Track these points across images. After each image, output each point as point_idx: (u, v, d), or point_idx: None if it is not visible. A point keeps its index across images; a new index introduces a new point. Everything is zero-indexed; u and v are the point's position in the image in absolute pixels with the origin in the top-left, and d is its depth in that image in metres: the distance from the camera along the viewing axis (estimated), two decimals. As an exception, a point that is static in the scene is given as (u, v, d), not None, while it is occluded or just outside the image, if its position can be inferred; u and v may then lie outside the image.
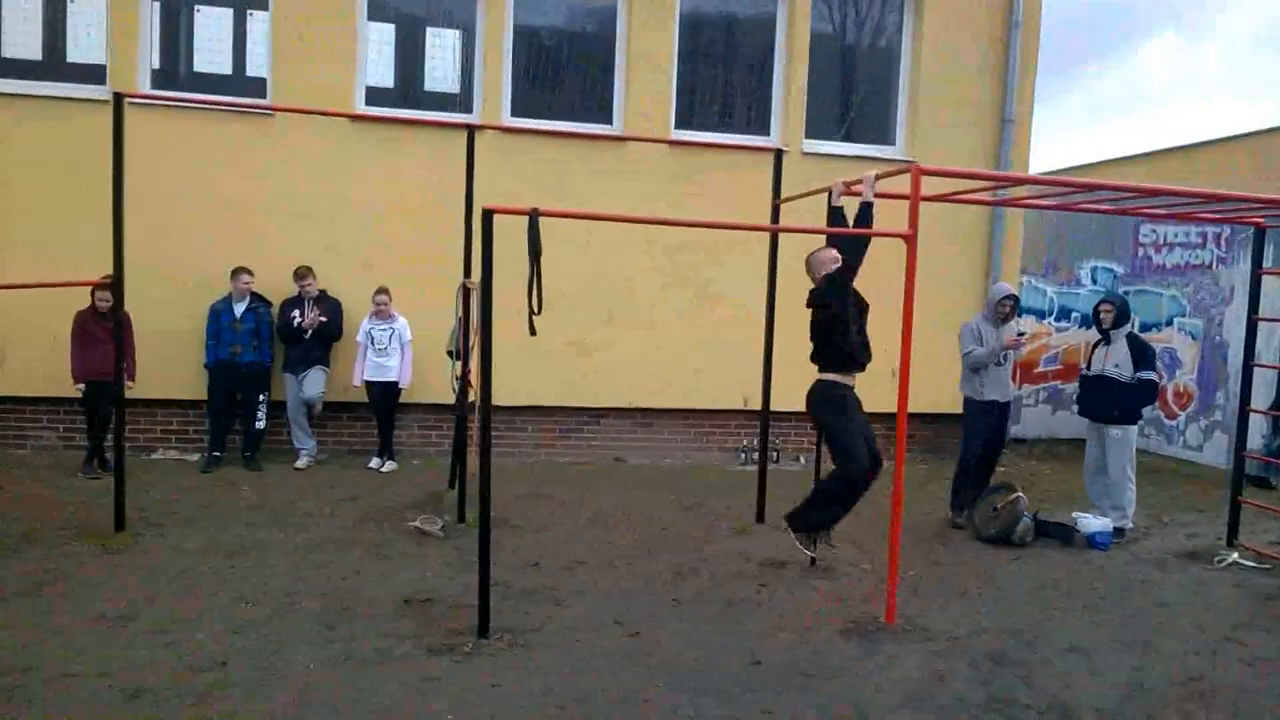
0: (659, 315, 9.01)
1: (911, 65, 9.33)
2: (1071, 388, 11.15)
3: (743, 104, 9.32)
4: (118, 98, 5.52)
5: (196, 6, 8.50)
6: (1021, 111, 9.40)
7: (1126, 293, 10.52)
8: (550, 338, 7.74)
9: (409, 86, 8.95)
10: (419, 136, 8.33)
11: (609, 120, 8.91)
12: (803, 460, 9.43)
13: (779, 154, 6.58)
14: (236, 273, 7.98)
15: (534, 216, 4.23)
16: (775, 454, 9.46)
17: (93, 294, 7.37)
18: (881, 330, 9.09)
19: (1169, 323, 10.44)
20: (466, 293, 6.06)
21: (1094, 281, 11.18)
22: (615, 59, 8.86)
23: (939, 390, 9.05)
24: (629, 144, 8.64)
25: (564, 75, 9.04)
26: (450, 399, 8.46)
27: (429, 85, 8.99)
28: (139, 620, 4.59)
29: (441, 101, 8.96)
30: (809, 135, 9.25)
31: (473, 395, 6.28)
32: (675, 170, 8.81)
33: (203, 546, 5.81)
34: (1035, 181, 5.15)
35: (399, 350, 8.11)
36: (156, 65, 8.39)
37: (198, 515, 6.53)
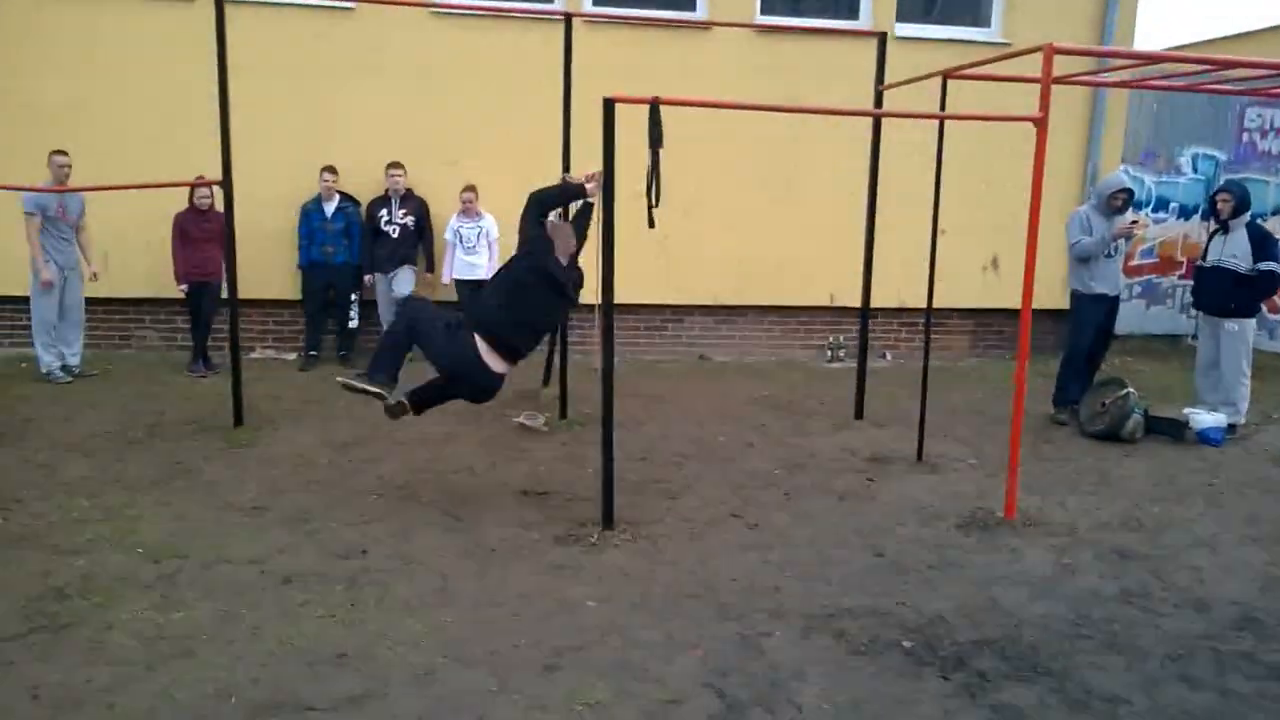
0: (741, 210, 8.82)
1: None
2: (1168, 282, 10.77)
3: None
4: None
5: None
6: (1130, -15, 8.81)
7: (1229, 180, 10.00)
8: (633, 233, 7.66)
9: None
10: (498, 28, 8.11)
11: (692, 6, 8.56)
12: (888, 356, 9.32)
13: (882, 37, 6.26)
14: (321, 172, 7.96)
15: (655, 106, 4.10)
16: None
17: (191, 194, 7.43)
18: (977, 221, 8.89)
19: (1275, 212, 9.94)
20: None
21: (1195, 170, 10.64)
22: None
23: (1036, 284, 8.80)
24: (713, 30, 8.30)
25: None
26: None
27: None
28: (273, 510, 4.76)
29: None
30: (899, 18, 8.79)
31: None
32: (760, 58, 8.47)
33: (317, 441, 5.97)
34: (1179, 59, 4.82)
35: (487, 248, 8.08)
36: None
37: (306, 411, 6.70)
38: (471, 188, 8.00)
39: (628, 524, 4.65)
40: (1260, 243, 6.58)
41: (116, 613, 3.61)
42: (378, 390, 4.73)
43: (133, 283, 8.23)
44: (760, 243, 8.87)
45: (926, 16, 8.96)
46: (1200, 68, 5.24)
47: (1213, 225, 6.92)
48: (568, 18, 6.00)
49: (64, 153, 7.11)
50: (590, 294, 5.55)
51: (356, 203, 8.20)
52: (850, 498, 5.25)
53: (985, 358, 9.56)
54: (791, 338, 9.33)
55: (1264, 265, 6.54)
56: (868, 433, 6.59)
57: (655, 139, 4.11)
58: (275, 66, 7.99)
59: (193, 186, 7.31)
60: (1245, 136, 10.40)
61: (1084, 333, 6.95)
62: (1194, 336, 10.67)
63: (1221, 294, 6.70)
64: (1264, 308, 10.01)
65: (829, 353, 9.25)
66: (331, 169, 7.97)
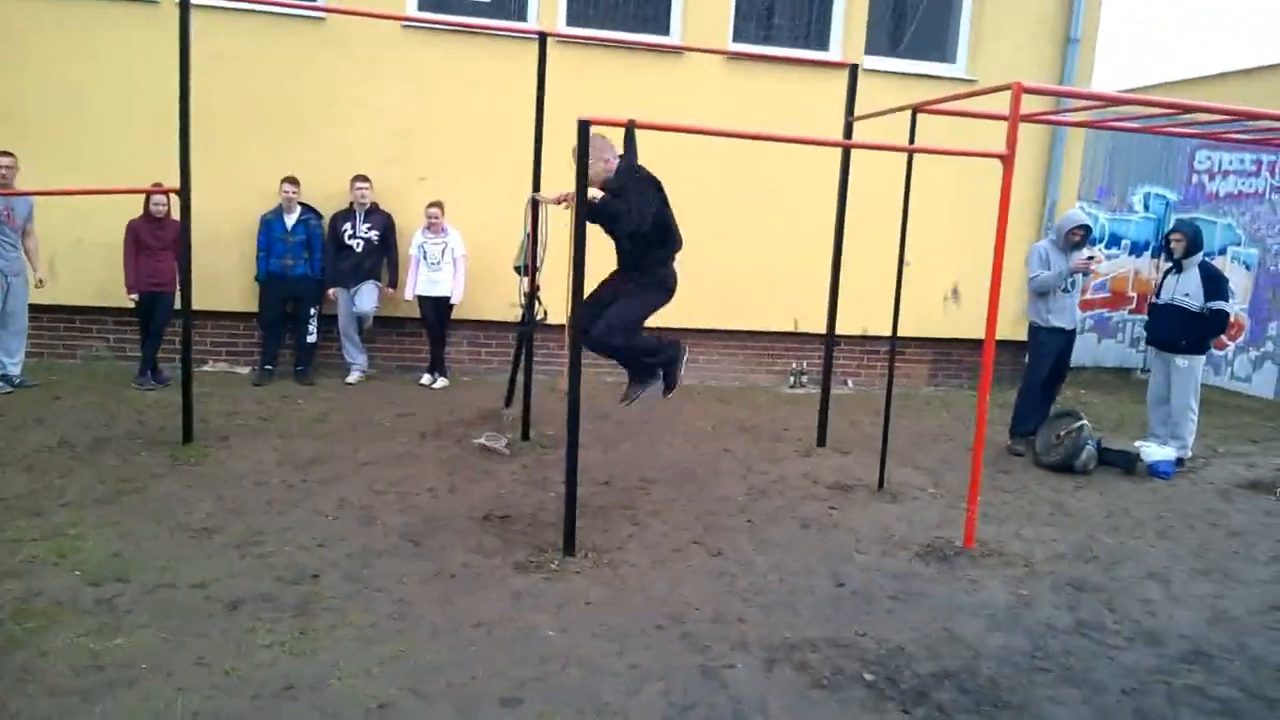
0: (708, 236, 8.82)
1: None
2: (1119, 316, 11.01)
3: (800, 18, 8.98)
4: (184, 1, 5.29)
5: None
6: (1088, 29, 9.04)
7: (1180, 220, 10.28)
8: (602, 255, 7.64)
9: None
10: (472, 44, 8.07)
11: (665, 31, 8.60)
12: (850, 384, 9.39)
13: (853, 69, 6.33)
14: (282, 183, 7.83)
15: (630, 129, 4.08)
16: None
17: (146, 201, 7.24)
18: (941, 254, 9.01)
19: (1222, 251, 10.23)
20: (535, 206, 5.92)
21: (1146, 209, 10.93)
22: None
23: (984, 314, 8.93)
24: (686, 56, 8.35)
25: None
26: (508, 316, 8.51)
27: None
28: (224, 532, 4.61)
29: (486, 11, 8.63)
30: (868, 51, 8.92)
31: (540, 312, 6.20)
32: (733, 83, 8.53)
33: (273, 459, 5.82)
34: (1141, 102, 4.94)
35: (452, 264, 8.00)
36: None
37: (260, 428, 6.54)
38: (438, 204, 7.93)
39: (590, 550, 4.58)
40: (1212, 282, 6.74)
41: (52, 639, 3.45)
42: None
43: (81, 291, 8.00)
44: (726, 267, 8.88)
45: (894, 50, 9.09)
46: (1160, 111, 5.37)
47: (1166, 264, 7.08)
48: (542, 36, 5.97)
49: (9, 154, 6.90)
50: (557, 314, 5.53)
51: (319, 215, 8.07)
52: (814, 525, 5.24)
53: (945, 386, 9.68)
54: (755, 362, 9.35)
55: (1214, 304, 6.71)
56: (831, 459, 6.61)
57: (631, 161, 4.08)
58: (241, 74, 7.85)
59: (148, 194, 7.14)
60: (1195, 178, 10.70)
61: (1041, 364, 7.06)
62: (1144, 370, 10.95)
63: (1173, 331, 6.85)
64: (1212, 345, 10.31)
65: (791, 378, 9.29)
66: (293, 180, 7.84)
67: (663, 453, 6.53)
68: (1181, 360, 6.84)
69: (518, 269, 6.19)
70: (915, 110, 5.59)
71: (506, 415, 7.01)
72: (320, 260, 8.01)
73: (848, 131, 6.38)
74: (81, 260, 7.91)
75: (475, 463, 6.01)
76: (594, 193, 4.58)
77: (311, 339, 8.11)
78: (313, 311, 8.09)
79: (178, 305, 7.25)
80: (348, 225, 7.99)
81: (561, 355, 8.70)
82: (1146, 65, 34.44)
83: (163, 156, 6.45)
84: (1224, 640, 4.09)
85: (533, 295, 6.19)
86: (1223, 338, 10.23)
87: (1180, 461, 6.83)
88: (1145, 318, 7.39)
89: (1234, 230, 10.12)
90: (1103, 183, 10.75)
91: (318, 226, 8.04)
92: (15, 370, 7.18)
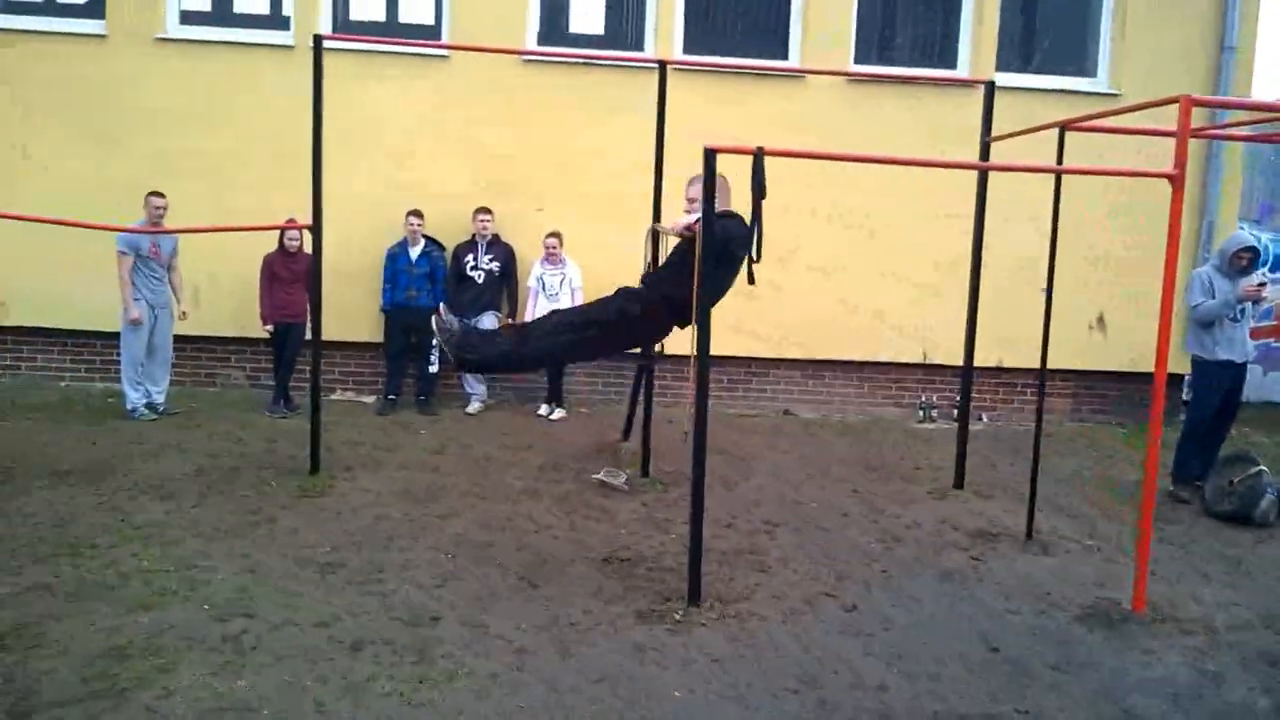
0: (831, 261, 8.50)
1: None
2: (1289, 346, 10.05)
3: (925, 35, 8.59)
4: (317, 41, 5.40)
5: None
6: (1245, 36, 8.29)
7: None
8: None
9: (554, 28, 8.58)
10: (588, 75, 8.04)
11: (785, 55, 8.37)
12: (985, 419, 8.83)
13: (990, 86, 5.94)
14: (407, 215, 7.95)
15: (759, 156, 3.86)
16: (955, 411, 8.89)
17: (281, 236, 7.47)
18: (1082, 280, 8.41)
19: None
20: (656, 236, 5.75)
21: (1289, 228, 9.95)
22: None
23: (1139, 347, 8.29)
24: (806, 80, 8.09)
25: (737, 12, 8.55)
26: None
27: (574, 28, 8.55)
28: (347, 567, 4.58)
29: (600, 43, 8.58)
30: (1000, 68, 8.43)
31: (659, 344, 6.01)
32: (854, 107, 8.21)
33: (395, 491, 5.80)
34: None
35: (569, 296, 7.93)
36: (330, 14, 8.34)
37: (383, 459, 6.57)
38: (556, 234, 7.89)
39: (715, 600, 4.33)
40: None
41: (178, 678, 3.44)
42: None
43: (220, 322, 8.30)
44: (852, 296, 8.53)
45: (1027, 66, 8.59)
46: None
47: None
48: (662, 65, 5.83)
49: (161, 194, 7.21)
50: (678, 345, 5.33)
51: (442, 247, 8.15)
52: (956, 578, 4.84)
53: (1088, 422, 8.99)
54: (882, 395, 8.91)
55: None
56: (970, 503, 6.15)
57: (759, 190, 3.87)
58: (366, 111, 8.03)
59: (282, 230, 7.35)
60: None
61: (1208, 402, 6.41)
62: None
63: None
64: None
65: (920, 412, 8.80)
66: (418, 213, 7.95)
67: (786, 492, 6.21)
68: None
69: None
70: (1063, 128, 5.15)
71: (624, 449, 6.84)
72: (443, 291, 8.08)
73: (984, 153, 5.97)
74: (218, 293, 8.21)
75: (593, 499, 5.84)
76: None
77: (434, 369, 8.17)
78: (435, 342, 8.14)
79: (308, 335, 7.52)
80: (470, 257, 8.04)
81: (678, 388, 8.55)
82: (1305, 74, 32.13)
83: (293, 189, 6.67)
84: None
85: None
86: None
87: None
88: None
89: None
90: (1265, 199, 9.86)
91: (440, 258, 8.12)
92: (160, 398, 7.48)
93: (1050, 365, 8.70)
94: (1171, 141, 4.30)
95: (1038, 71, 8.63)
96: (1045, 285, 5.34)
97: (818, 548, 5.17)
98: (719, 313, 7.92)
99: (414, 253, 8.00)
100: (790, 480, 6.52)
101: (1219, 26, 8.19)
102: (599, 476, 6.14)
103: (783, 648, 3.93)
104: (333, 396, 8.46)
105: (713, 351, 8.18)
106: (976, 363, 8.31)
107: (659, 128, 5.88)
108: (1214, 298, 6.25)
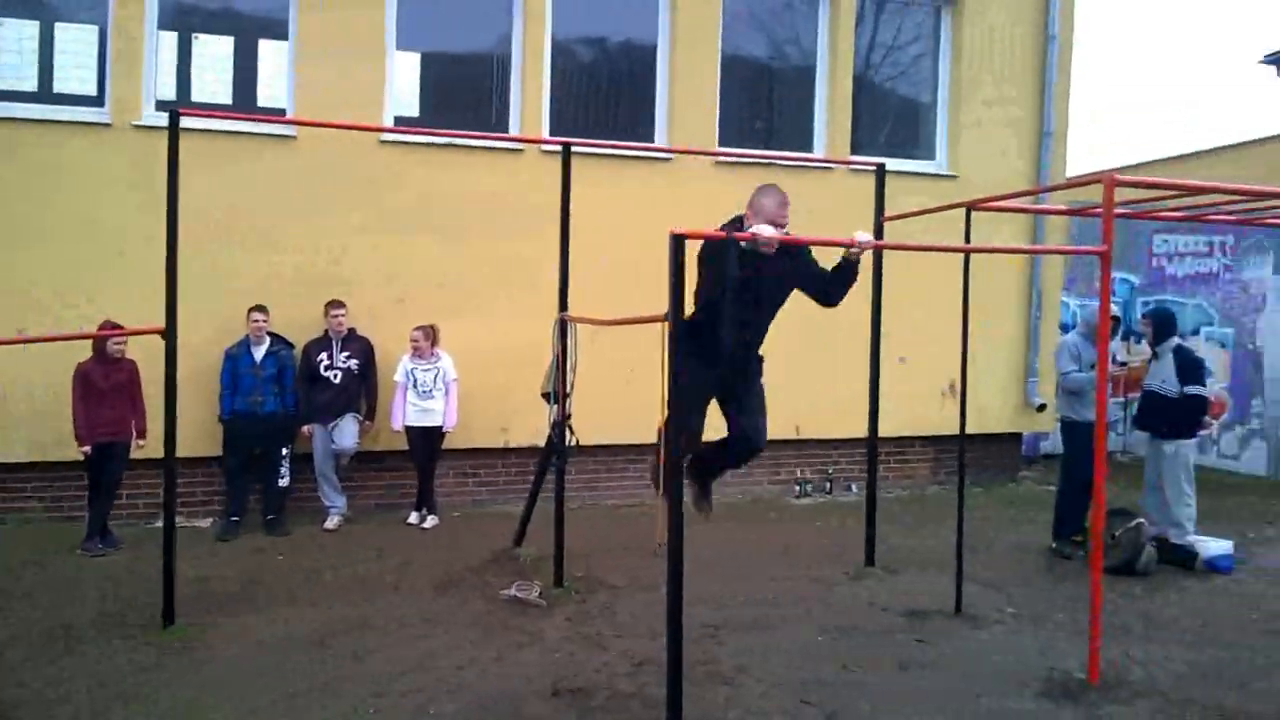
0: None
1: (950, 83, 9.05)
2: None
3: (782, 122, 8.91)
4: (174, 116, 4.68)
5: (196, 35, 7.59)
6: (1059, 122, 9.21)
7: (1147, 303, 10.45)
8: (598, 368, 7.16)
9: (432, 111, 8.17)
10: (451, 158, 7.64)
11: (651, 138, 8.38)
12: (855, 489, 8.98)
13: (881, 168, 6.13)
14: (250, 312, 7.10)
15: (732, 240, 3.64)
16: (827, 484, 9.00)
17: (102, 343, 6.35)
18: (936, 350, 8.80)
19: (1195, 332, 10.38)
20: (564, 326, 5.40)
21: (1112, 294, 11.08)
22: (656, 83, 8.34)
23: (985, 410, 8.79)
24: (675, 161, 8.10)
25: (605, 96, 8.49)
26: (497, 441, 7.86)
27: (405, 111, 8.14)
28: (251, 743, 3.78)
29: (462, 124, 8.21)
30: (852, 150, 8.84)
31: (572, 440, 5.62)
32: (722, 187, 8.28)
33: (278, 635, 4.96)
34: (1230, 191, 4.84)
35: (444, 391, 7.34)
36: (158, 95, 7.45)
37: (246, 594, 5.66)
38: (423, 327, 7.30)
39: (694, 725, 3.91)
40: (1186, 367, 6.71)
41: None
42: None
43: (11, 448, 7.00)
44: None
45: (873, 149, 9.06)
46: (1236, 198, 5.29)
47: (1136, 345, 7.03)
48: (566, 147, 5.54)
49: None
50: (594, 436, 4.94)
51: (290, 345, 7.33)
52: (913, 667, 4.70)
53: (947, 485, 9.35)
54: (758, 472, 8.84)
55: (1189, 389, 6.67)
56: (886, 581, 6.11)
57: (729, 276, 3.64)
58: (195, 195, 7.14)
59: (117, 336, 6.25)
60: (1154, 261, 10.95)
61: (1082, 462, 6.75)
62: (1123, 452, 10.95)
63: (1156, 417, 6.82)
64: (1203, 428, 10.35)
65: (797, 487, 8.82)
66: (261, 308, 7.12)
67: (710, 588, 5.88)
68: (1168, 446, 6.71)
69: (545, 396, 5.62)
70: (970, 208, 5.35)
71: (524, 557, 6.30)
72: (292, 395, 7.24)
73: (879, 232, 6.11)
74: (5, 413, 6.94)
75: (510, 620, 5.26)
76: (767, 230, 3.94)
77: (284, 482, 7.26)
78: (284, 452, 7.26)
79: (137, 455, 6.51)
80: (324, 355, 7.27)
81: (580, 483, 8.04)
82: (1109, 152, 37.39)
83: (111, 289, 5.69)
84: None
85: (563, 423, 5.60)
86: (1207, 418, 10.29)
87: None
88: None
89: (1205, 310, 10.30)
90: (1071, 270, 10.89)
91: (289, 358, 7.30)
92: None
93: (911, 432, 9.23)
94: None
95: (885, 155, 9.11)
96: (901, 356, 5.49)
97: (769, 650, 4.88)
98: (594, 400, 7.47)
99: (258, 353, 7.13)
100: (706, 572, 6.19)
101: (1039, 114, 9.02)
102: (510, 592, 5.57)
103: (789, 774, 3.58)
104: (157, 523, 7.28)
105: (582, 441, 7.81)
106: (847, 435, 8.54)
107: (564, 211, 5.57)
108: (1080, 364, 6.66)
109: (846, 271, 4.37)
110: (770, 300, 4.49)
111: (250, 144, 7.34)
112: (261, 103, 7.73)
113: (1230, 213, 6.16)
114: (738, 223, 4.30)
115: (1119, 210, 4.97)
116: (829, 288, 4.46)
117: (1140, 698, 4.35)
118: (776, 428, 8.56)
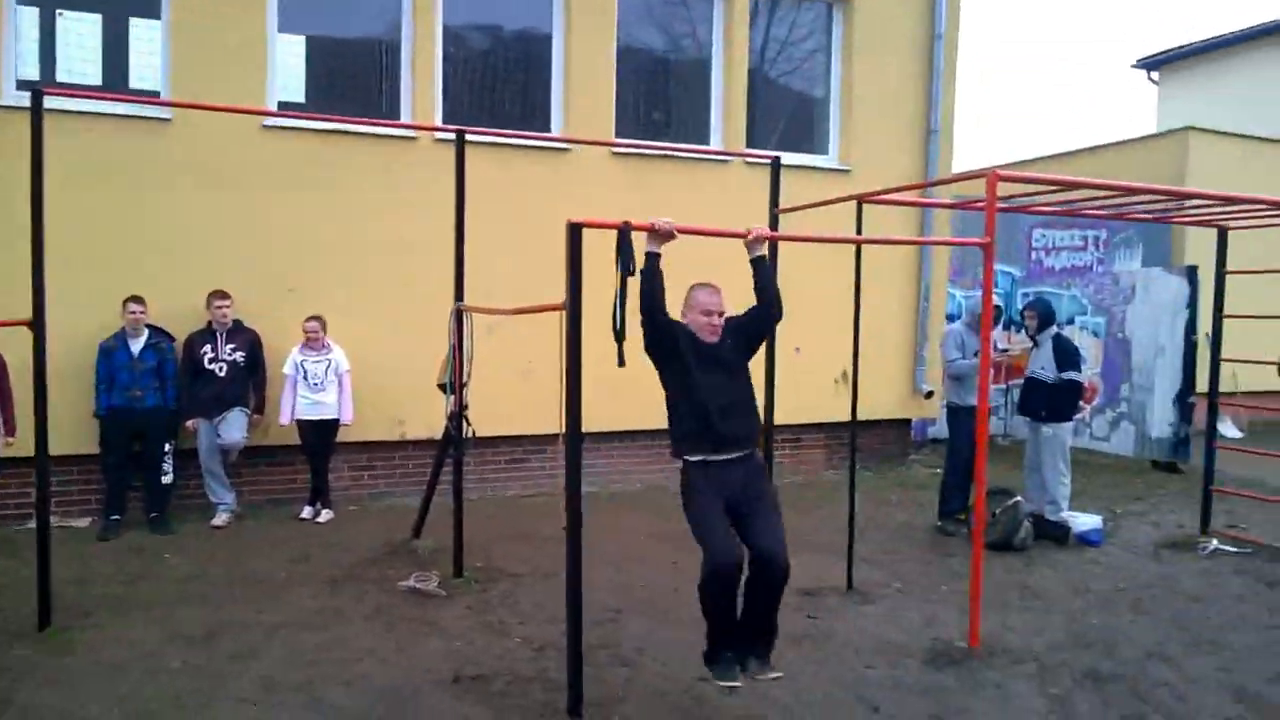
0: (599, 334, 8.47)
1: (842, 80, 9.31)
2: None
3: (679, 114, 9.00)
4: (36, 95, 4.42)
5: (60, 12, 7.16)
6: (945, 120, 9.57)
7: (1027, 295, 10.98)
8: (494, 361, 7.11)
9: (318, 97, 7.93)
10: (340, 145, 7.45)
11: (547, 128, 8.34)
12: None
13: (776, 161, 6.25)
14: (126, 303, 6.78)
15: (625, 231, 3.69)
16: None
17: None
18: (829, 340, 9.07)
19: (1070, 321, 10.97)
20: (460, 316, 5.34)
21: (995, 286, 11.60)
22: (552, 73, 8.31)
23: (876, 397, 9.09)
24: (572, 151, 8.10)
25: (499, 84, 8.40)
26: (392, 434, 7.72)
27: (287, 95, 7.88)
28: (131, 745, 3.63)
29: (353, 110, 8.02)
30: (748, 144, 9.01)
31: (469, 431, 5.57)
32: (621, 177, 8.34)
33: (162, 636, 4.76)
34: (1104, 187, 5.14)
35: (336, 383, 7.16)
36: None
37: (131, 595, 5.42)
38: (318, 318, 7.11)
39: (595, 705, 3.96)
40: (1063, 354, 7.13)
41: None
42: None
43: None
44: (631, 364, 8.52)
45: (767, 143, 9.24)
46: (1106, 193, 5.60)
47: (1018, 336, 7.43)
48: (460, 134, 5.47)
49: None
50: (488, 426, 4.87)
51: (171, 337, 7.03)
52: (806, 641, 4.85)
53: (841, 470, 9.64)
54: (660, 461, 8.94)
55: (1066, 375, 7.10)
56: (782, 563, 6.25)
57: (627, 265, 3.68)
58: (68, 181, 6.78)
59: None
60: (1034, 254, 11.52)
61: (965, 444, 7.09)
62: (1004, 436, 11.48)
63: (1036, 401, 7.22)
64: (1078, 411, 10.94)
65: (697, 476, 8.94)
66: (138, 299, 6.80)
67: (609, 575, 5.94)
68: (1047, 429, 7.12)
69: (442, 387, 5.55)
70: (860, 201, 5.53)
71: (422, 548, 6.22)
72: (174, 389, 6.95)
73: (774, 223, 6.24)
74: None
75: (410, 611, 5.19)
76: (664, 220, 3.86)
77: (167, 479, 6.96)
78: (167, 448, 6.97)
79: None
80: (207, 347, 7.00)
81: (479, 473, 7.95)
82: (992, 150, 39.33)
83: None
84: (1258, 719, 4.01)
85: (460, 414, 5.55)
86: (1081, 403, 10.91)
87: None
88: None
89: (1079, 301, 10.89)
90: (957, 263, 11.35)
91: (170, 350, 7.00)
92: None
93: (805, 421, 9.47)
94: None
95: (780, 149, 9.30)
96: (856, 345, 5.65)
97: (667, 632, 4.95)
98: (489, 392, 7.37)
99: (135, 346, 6.81)
100: (607, 560, 6.25)
101: (925, 113, 9.36)
102: (409, 584, 5.49)
103: (686, 749, 3.65)
104: (31, 525, 6.90)
105: (481, 433, 7.75)
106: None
107: (459, 203, 5.50)
108: (964, 352, 6.97)
109: (761, 269, 4.22)
110: (731, 364, 4.21)
111: (123, 126, 7.00)
112: (134, 84, 7.36)
113: (1102, 208, 6.57)
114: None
115: (1001, 205, 5.21)
116: (760, 299, 4.23)
117: (1017, 663, 4.60)
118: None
